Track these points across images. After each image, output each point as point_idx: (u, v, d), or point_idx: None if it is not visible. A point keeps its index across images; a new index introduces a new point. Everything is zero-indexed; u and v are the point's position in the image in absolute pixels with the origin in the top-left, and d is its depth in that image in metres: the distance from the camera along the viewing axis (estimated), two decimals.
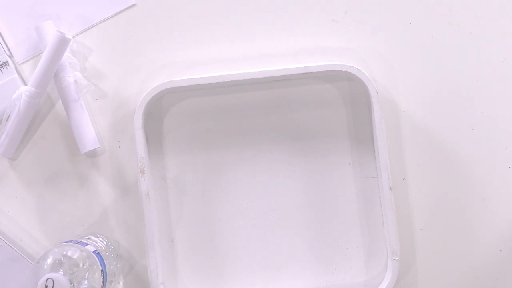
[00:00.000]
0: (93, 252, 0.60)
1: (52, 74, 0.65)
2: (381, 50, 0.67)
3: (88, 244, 0.61)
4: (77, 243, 0.60)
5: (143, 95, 0.65)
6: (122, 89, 0.68)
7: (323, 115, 0.67)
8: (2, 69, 0.67)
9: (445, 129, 0.67)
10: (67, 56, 0.66)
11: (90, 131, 0.66)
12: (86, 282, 0.57)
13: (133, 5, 0.68)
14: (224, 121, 0.68)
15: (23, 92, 0.65)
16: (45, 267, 0.57)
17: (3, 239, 0.66)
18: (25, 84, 0.67)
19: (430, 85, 0.67)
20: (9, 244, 0.66)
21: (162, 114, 0.68)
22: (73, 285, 0.56)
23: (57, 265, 0.57)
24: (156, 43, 0.68)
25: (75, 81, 0.66)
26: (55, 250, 0.59)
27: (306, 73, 0.64)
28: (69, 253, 0.58)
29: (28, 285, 0.56)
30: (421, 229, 0.67)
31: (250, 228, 0.67)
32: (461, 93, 0.67)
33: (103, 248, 0.63)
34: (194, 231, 0.68)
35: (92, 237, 0.64)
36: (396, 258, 0.63)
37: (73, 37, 0.67)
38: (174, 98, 0.68)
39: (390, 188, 0.63)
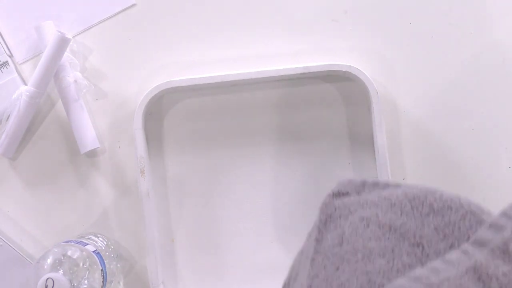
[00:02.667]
0: (93, 252, 0.60)
1: (52, 74, 0.65)
2: (381, 50, 0.67)
3: (88, 244, 0.61)
4: (77, 243, 0.60)
5: (143, 95, 0.65)
6: (122, 89, 0.68)
7: (323, 115, 0.67)
8: (2, 69, 0.67)
9: (445, 129, 0.67)
10: (67, 56, 0.66)
11: (90, 131, 0.66)
12: (86, 282, 0.57)
13: (133, 5, 0.68)
14: (224, 121, 0.68)
15: (23, 92, 0.65)
16: (45, 267, 0.57)
17: (3, 239, 0.66)
18: (25, 84, 0.67)
19: (430, 85, 0.67)
20: (9, 244, 0.66)
21: (162, 114, 0.68)
22: (73, 285, 0.56)
23: (57, 265, 0.57)
24: (156, 43, 0.68)
25: (75, 81, 0.66)
26: (55, 250, 0.59)
27: (306, 73, 0.64)
28: (69, 253, 0.58)
29: (28, 285, 0.57)
30: None
31: (250, 227, 0.67)
32: (461, 93, 0.67)
33: (103, 248, 0.63)
34: (194, 231, 0.67)
35: (92, 237, 0.64)
36: None
37: (73, 37, 0.67)
38: (174, 98, 0.68)
39: None
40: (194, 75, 0.65)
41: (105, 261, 0.61)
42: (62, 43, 0.64)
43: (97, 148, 0.67)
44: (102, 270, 0.60)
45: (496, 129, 0.67)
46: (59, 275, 0.55)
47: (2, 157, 0.67)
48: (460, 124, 0.67)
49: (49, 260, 0.58)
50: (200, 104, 0.68)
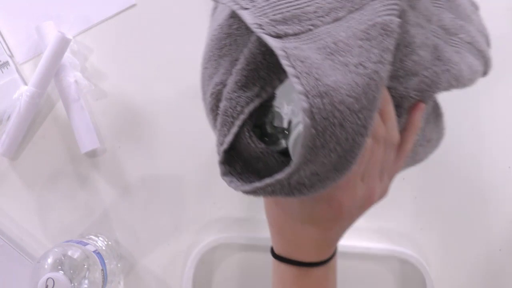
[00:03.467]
0: (93, 252, 0.60)
1: (53, 74, 0.65)
2: None
3: (88, 244, 0.61)
4: (77, 243, 0.60)
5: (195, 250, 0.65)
6: (122, 89, 0.68)
7: None
8: (2, 69, 0.67)
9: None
10: (67, 56, 0.66)
11: (90, 131, 0.66)
12: (86, 281, 0.57)
13: (133, 5, 0.68)
14: None
15: (23, 92, 0.65)
16: (46, 266, 0.57)
17: (4, 239, 0.66)
18: (26, 84, 0.67)
19: None
20: (10, 244, 0.66)
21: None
22: (74, 285, 0.56)
23: (58, 264, 0.57)
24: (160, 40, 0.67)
25: (76, 81, 0.66)
26: (56, 249, 0.59)
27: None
28: (69, 253, 0.58)
29: (28, 285, 0.56)
30: (421, 229, 0.67)
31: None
32: (461, 93, 0.67)
33: (103, 248, 0.63)
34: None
35: (92, 237, 0.64)
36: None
37: (73, 37, 0.67)
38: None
39: None
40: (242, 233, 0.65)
41: (105, 261, 0.61)
42: (63, 43, 0.64)
43: (97, 148, 0.67)
44: (102, 270, 0.60)
45: (496, 129, 0.67)
46: (59, 275, 0.55)
47: (2, 157, 0.67)
48: (460, 124, 0.67)
49: (49, 260, 0.57)
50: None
